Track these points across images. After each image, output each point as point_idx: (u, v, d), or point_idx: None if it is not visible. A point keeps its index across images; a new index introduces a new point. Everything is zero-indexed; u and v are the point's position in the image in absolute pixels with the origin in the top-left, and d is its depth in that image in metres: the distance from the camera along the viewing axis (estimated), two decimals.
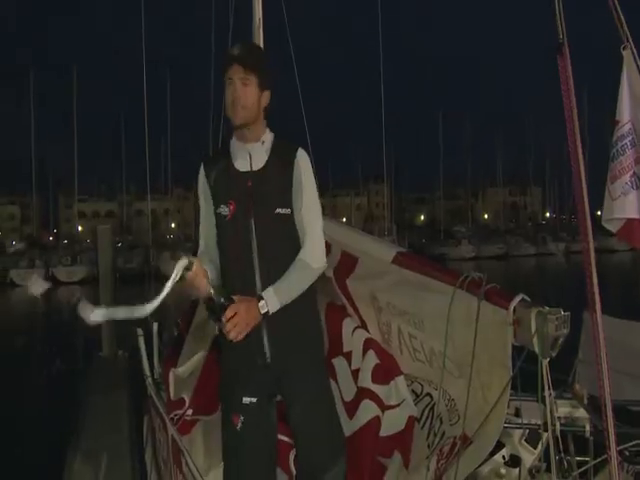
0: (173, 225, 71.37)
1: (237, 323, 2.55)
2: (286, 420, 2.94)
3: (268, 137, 2.83)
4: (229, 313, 2.54)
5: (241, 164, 2.78)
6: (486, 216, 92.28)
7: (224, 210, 2.76)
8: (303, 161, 2.79)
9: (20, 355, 17.98)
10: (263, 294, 2.65)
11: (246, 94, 2.70)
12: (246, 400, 2.78)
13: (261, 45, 4.93)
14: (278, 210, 2.74)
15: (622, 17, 3.19)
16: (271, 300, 2.65)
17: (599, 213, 3.48)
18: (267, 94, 2.80)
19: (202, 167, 2.88)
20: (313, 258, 2.77)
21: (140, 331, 4.72)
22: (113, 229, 18.49)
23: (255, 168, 2.76)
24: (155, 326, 4.80)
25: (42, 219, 77.01)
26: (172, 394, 3.97)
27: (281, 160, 2.77)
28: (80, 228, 68.13)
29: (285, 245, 2.77)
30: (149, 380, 4.49)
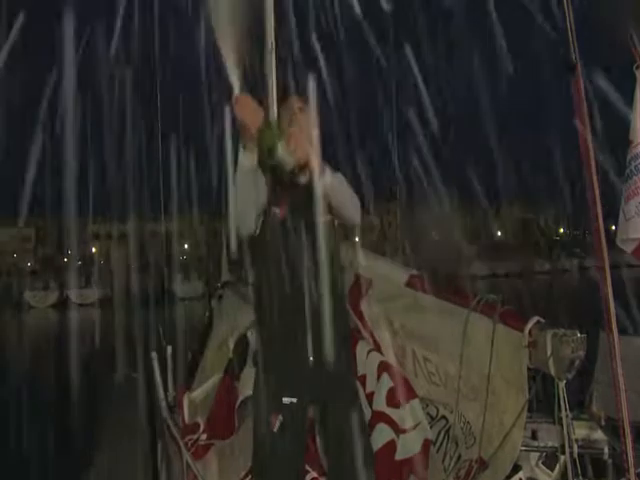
0: (186, 246, 71.59)
1: (299, 140, 2.67)
2: (318, 428, 2.93)
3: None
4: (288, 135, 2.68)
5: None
6: (499, 233, 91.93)
7: (277, 210, 2.85)
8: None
9: (33, 377, 18.04)
10: None
11: (304, 119, 2.87)
12: (286, 400, 2.80)
13: (273, 70, 4.95)
14: (323, 218, 2.83)
15: (635, 38, 3.20)
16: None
17: (613, 227, 3.47)
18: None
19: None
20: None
21: (154, 355, 4.72)
22: (126, 251, 18.57)
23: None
24: (169, 350, 4.80)
25: (57, 241, 77.49)
26: (186, 418, 3.97)
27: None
28: (94, 250, 68.48)
29: (330, 250, 2.83)
30: (163, 404, 4.48)
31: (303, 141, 2.69)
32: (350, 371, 2.99)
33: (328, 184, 2.74)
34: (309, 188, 2.84)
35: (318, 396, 2.88)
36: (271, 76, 3.79)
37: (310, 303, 2.76)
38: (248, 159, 2.75)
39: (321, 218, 2.81)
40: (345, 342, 2.93)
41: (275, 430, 2.79)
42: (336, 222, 2.93)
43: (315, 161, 2.68)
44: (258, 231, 2.89)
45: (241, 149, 2.77)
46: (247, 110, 2.69)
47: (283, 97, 2.95)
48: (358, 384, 3.48)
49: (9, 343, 27.91)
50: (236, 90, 2.68)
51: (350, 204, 2.89)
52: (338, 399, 2.87)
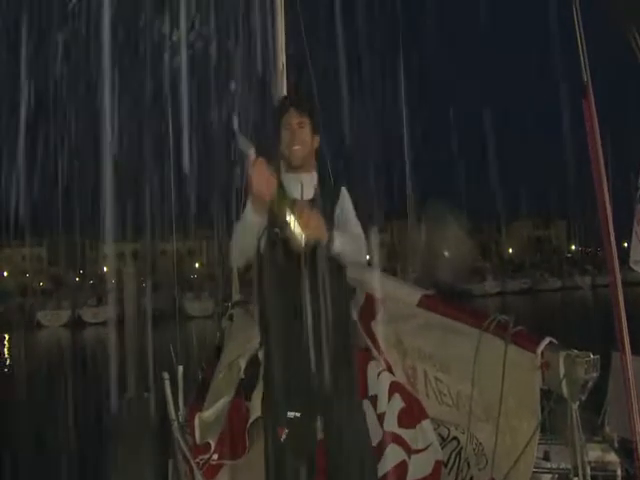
0: (197, 265, 71.71)
1: (310, 217, 2.68)
2: (324, 441, 2.95)
3: (315, 174, 3.07)
4: (299, 210, 2.69)
5: (293, 192, 2.94)
6: (511, 250, 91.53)
7: (279, 231, 2.86)
8: (346, 197, 3.06)
9: (45, 396, 18.04)
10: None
11: (302, 135, 2.96)
12: (290, 414, 2.87)
13: (284, 90, 5.01)
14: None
15: (637, 37, 3.20)
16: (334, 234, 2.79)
17: (625, 244, 3.46)
18: (317, 138, 3.07)
19: None
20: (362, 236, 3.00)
21: (166, 375, 4.72)
22: (138, 269, 18.63)
23: (305, 197, 2.94)
24: (180, 369, 4.80)
25: (68, 261, 77.88)
26: (198, 438, 3.96)
27: (327, 191, 3.02)
28: (106, 269, 68.70)
29: (333, 268, 2.88)
30: (175, 424, 4.48)
31: (314, 217, 2.72)
32: (353, 388, 3.01)
33: (337, 251, 2.81)
34: (312, 208, 2.87)
35: (322, 411, 2.94)
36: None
37: (312, 322, 2.81)
38: (256, 219, 2.81)
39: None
40: (347, 359, 2.97)
41: (282, 441, 2.87)
42: None
43: (324, 235, 2.74)
44: (262, 252, 2.93)
45: (249, 206, 2.81)
46: (262, 178, 2.69)
47: (282, 110, 2.98)
48: (369, 404, 3.48)
49: (23, 362, 27.96)
50: (251, 153, 2.70)
51: (356, 253, 2.96)
52: (340, 414, 2.92)
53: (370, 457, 3.05)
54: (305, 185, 2.97)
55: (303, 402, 2.89)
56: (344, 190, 3.07)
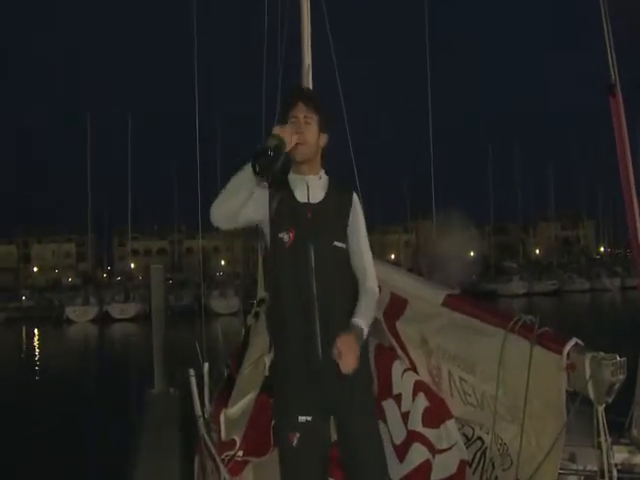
0: (223, 262, 72.09)
1: (345, 353, 2.64)
2: (338, 441, 2.94)
3: (323, 175, 2.98)
4: None
5: (299, 195, 2.91)
6: (538, 251, 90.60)
7: (285, 237, 2.85)
8: (357, 205, 2.98)
9: (73, 392, 18.27)
10: (354, 322, 2.78)
11: (308, 131, 2.88)
12: (302, 419, 2.85)
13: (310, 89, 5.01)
14: (336, 243, 2.87)
15: None
16: (363, 324, 2.78)
17: None
18: (325, 137, 2.97)
19: (268, 189, 2.95)
20: (376, 289, 2.94)
21: (192, 371, 4.78)
22: (164, 266, 18.81)
23: (312, 201, 2.89)
24: (206, 366, 4.85)
25: (97, 257, 78.83)
26: (223, 435, 3.99)
27: (338, 199, 2.93)
28: (133, 265, 69.38)
29: (340, 275, 2.87)
30: (201, 421, 4.52)
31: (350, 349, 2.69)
32: (367, 387, 2.98)
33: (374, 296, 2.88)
34: (317, 211, 2.87)
35: (334, 413, 2.91)
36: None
37: (321, 324, 2.80)
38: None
39: (331, 243, 2.84)
40: (359, 359, 2.90)
41: (294, 445, 2.84)
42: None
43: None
44: (269, 257, 2.94)
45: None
46: (287, 130, 2.73)
47: (292, 102, 2.91)
48: (394, 403, 3.48)
49: (52, 357, 28.36)
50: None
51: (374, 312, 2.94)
52: (353, 416, 2.88)
53: (383, 459, 2.99)
54: (312, 187, 2.90)
55: (314, 405, 2.86)
56: (355, 197, 2.97)
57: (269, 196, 2.87)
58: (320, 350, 2.80)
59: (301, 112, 2.88)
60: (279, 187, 2.82)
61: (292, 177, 2.93)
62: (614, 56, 2.63)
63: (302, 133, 2.83)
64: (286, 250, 2.85)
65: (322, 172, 2.97)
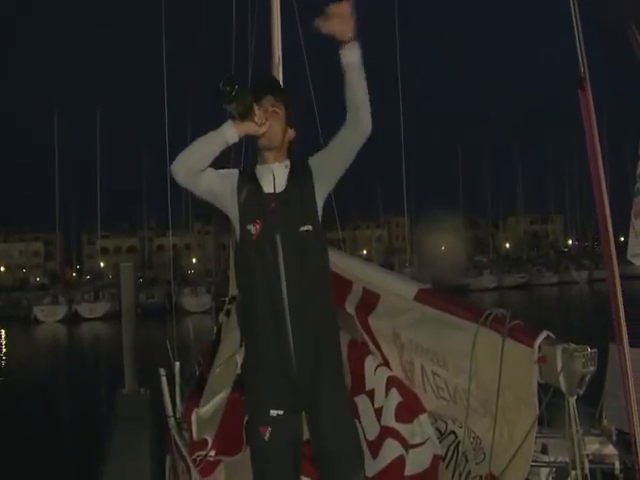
0: (194, 260, 71.69)
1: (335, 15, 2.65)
2: (310, 437, 2.93)
3: (289, 164, 2.97)
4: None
5: (266, 186, 2.90)
6: (507, 245, 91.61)
7: (252, 229, 2.85)
8: (314, 158, 2.96)
9: (42, 393, 18.03)
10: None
11: (275, 120, 2.88)
12: (273, 413, 2.84)
13: (281, 82, 4.98)
14: (302, 228, 2.85)
15: (636, 32, 3.19)
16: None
17: (622, 239, 3.45)
18: (291, 132, 2.98)
19: (237, 176, 2.96)
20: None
21: (162, 371, 4.72)
22: (135, 264, 18.66)
23: (278, 190, 2.89)
24: (177, 365, 4.80)
25: (65, 255, 77.84)
26: (195, 435, 3.95)
27: (300, 178, 2.92)
28: (102, 264, 68.67)
29: (310, 264, 2.86)
30: (172, 420, 4.47)
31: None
32: (339, 383, 2.97)
33: (357, 61, 2.74)
34: (281, 200, 2.86)
35: (306, 408, 2.90)
36: None
37: (292, 316, 2.79)
38: (228, 134, 2.79)
39: (297, 229, 2.83)
40: (331, 352, 2.94)
41: (266, 439, 2.84)
42: (319, 229, 2.91)
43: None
44: (239, 251, 2.91)
45: (229, 122, 2.79)
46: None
47: (260, 95, 2.89)
48: (367, 399, 3.47)
49: (20, 358, 27.93)
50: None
51: (368, 100, 2.82)
52: (325, 409, 2.88)
53: (359, 452, 3.02)
54: (277, 176, 2.89)
55: (286, 399, 2.85)
56: (310, 160, 2.95)
57: (237, 188, 2.89)
58: (292, 344, 2.79)
59: (269, 103, 2.89)
60: (243, 119, 2.80)
61: (259, 168, 2.95)
62: (583, 48, 2.62)
63: (269, 122, 2.83)
64: (253, 242, 2.84)
65: (288, 162, 2.96)
